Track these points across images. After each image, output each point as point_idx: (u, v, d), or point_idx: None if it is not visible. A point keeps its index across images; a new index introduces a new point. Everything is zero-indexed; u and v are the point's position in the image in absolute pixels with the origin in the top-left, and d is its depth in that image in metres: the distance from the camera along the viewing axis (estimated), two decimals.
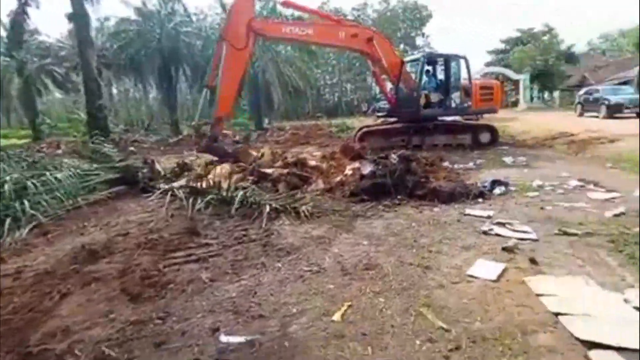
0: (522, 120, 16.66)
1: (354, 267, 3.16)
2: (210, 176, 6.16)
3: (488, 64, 35.43)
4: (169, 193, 5.46)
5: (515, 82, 29.43)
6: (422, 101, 10.09)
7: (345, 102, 36.33)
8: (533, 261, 3.08)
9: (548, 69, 30.23)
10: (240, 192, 4.98)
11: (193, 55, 22.73)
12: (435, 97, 10.38)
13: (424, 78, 10.53)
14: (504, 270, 2.96)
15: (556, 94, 32.99)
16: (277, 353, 2.15)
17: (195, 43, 23.20)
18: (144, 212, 5.10)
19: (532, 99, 33.19)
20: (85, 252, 3.63)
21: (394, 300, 2.63)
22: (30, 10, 14.96)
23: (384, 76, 10.37)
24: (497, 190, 5.25)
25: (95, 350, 2.22)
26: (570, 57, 33.49)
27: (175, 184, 5.99)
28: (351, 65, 35.75)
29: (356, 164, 5.92)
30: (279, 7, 23.72)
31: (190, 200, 4.95)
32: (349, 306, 2.57)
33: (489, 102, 10.65)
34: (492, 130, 10.69)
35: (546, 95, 34.91)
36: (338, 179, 5.76)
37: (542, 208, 4.56)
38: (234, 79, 7.84)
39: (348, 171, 5.81)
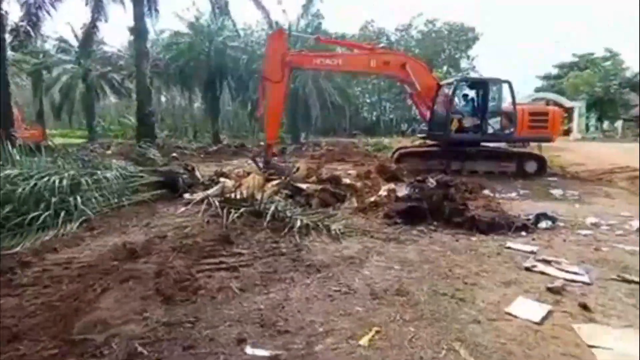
0: (575, 150, 15.44)
1: (384, 292, 3.07)
2: (243, 187, 6.30)
3: (538, 90, 33.91)
4: (205, 200, 5.64)
5: (568, 110, 27.77)
6: (454, 125, 9.85)
7: (383, 121, 36.22)
8: (585, 307, 2.82)
9: (609, 96, 28.19)
10: (273, 207, 5.04)
11: (238, 69, 23.78)
12: (469, 122, 10.08)
13: (459, 102, 10.31)
14: (549, 313, 2.74)
15: (618, 123, 30.66)
16: None
17: (240, 57, 24.29)
18: (182, 216, 5.29)
19: (587, 128, 31.02)
20: (126, 250, 3.81)
21: (425, 330, 2.52)
22: (99, 23, 16.37)
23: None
24: (542, 224, 4.93)
25: (129, 346, 2.30)
26: (635, 85, 31.14)
27: (211, 191, 6.18)
28: (391, 84, 35.77)
29: (392, 185, 5.84)
30: (324, 24, 24.60)
31: (225, 209, 5.07)
32: (377, 332, 2.49)
33: (540, 130, 10.02)
34: (539, 159, 10.13)
35: (605, 125, 32.53)
36: (372, 199, 5.70)
37: (596, 249, 4.19)
38: (276, 111, 8.92)
39: (383, 192, 5.74)
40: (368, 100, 38.41)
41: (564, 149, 15.50)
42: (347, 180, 6.72)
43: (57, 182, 5.07)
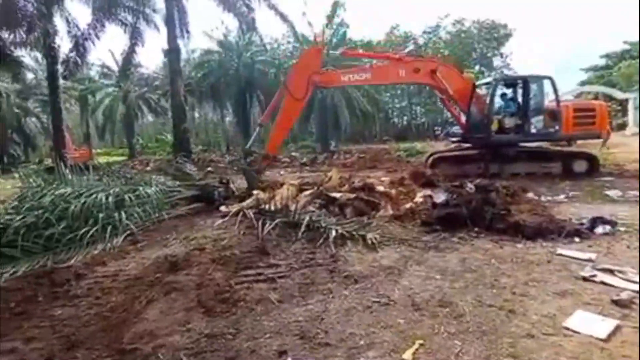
0: (632, 146, 13.88)
1: (426, 303, 2.95)
2: (277, 198, 6.36)
3: (582, 83, 31.74)
4: (240, 213, 5.74)
5: (622, 102, 25.47)
6: (495, 126, 9.43)
7: (415, 125, 35.54)
8: None
9: None
10: (307, 217, 5.02)
11: (267, 82, 24.37)
12: (510, 122, 9.61)
13: (499, 102, 9.89)
14: (617, 328, 2.49)
15: None
16: None
17: (269, 71, 24.90)
18: (219, 229, 5.41)
19: None
20: (167, 263, 3.95)
21: (472, 344, 2.38)
22: (137, 47, 17.43)
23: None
24: (599, 230, 4.49)
25: (174, 356, 2.37)
26: None
27: (246, 204, 6.28)
28: (421, 88, 35.13)
29: (427, 191, 5.67)
30: (349, 33, 24.71)
31: (260, 221, 5.13)
32: (421, 345, 2.39)
33: (587, 127, 9.31)
34: (590, 158, 9.39)
35: None
36: (408, 206, 5.55)
37: None
38: (286, 125, 8.59)
39: (419, 198, 5.58)
40: (398, 106, 37.88)
41: (619, 144, 14.19)
42: (380, 188, 6.59)
43: (103, 199, 5.37)
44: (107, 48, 41.43)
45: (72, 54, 15.31)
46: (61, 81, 15.79)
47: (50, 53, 14.85)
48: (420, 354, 2.31)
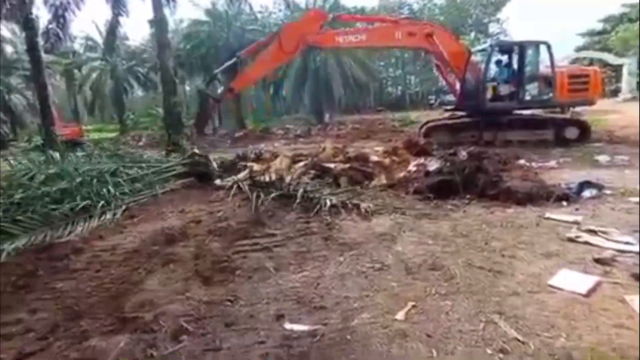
0: (624, 112, 14.09)
1: (419, 267, 3.05)
2: (271, 170, 6.37)
3: (579, 49, 31.06)
4: (235, 185, 5.76)
5: (616, 68, 24.95)
6: (489, 94, 9.36)
7: (409, 94, 35.10)
8: (638, 278, 2.66)
9: None
10: (301, 188, 5.04)
11: (259, 52, 23.64)
12: (504, 89, 9.54)
13: (494, 68, 9.76)
14: (598, 285, 2.61)
15: None
16: (338, 345, 2.16)
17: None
18: (214, 201, 5.45)
19: None
20: (164, 235, 4.00)
21: (462, 304, 2.49)
22: (121, 18, 16.68)
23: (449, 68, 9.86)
24: (586, 193, 4.62)
25: (175, 323, 2.45)
26: None
27: (240, 176, 6.29)
28: (416, 56, 34.39)
29: (421, 160, 5.70)
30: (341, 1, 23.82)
31: (255, 193, 5.15)
32: (413, 306, 2.50)
33: (580, 93, 9.32)
34: (581, 124, 9.47)
35: None
36: (401, 175, 5.61)
37: None
38: (263, 69, 8.63)
39: (412, 167, 5.62)
40: (392, 75, 37.24)
41: (612, 111, 14.25)
42: (374, 158, 6.62)
43: (97, 175, 5.36)
44: (91, 19, 39.63)
45: (52, 25, 14.64)
46: (43, 54, 15.19)
47: (27, 25, 14.18)
48: (412, 315, 2.41)
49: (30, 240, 3.92)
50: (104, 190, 5.12)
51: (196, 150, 7.11)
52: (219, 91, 8.57)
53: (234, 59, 8.51)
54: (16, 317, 2.64)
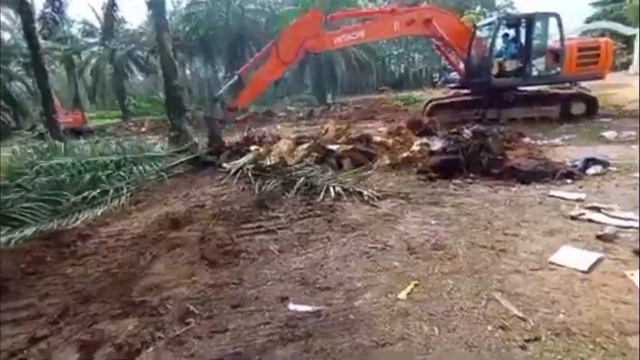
0: (635, 86, 13.43)
1: (421, 247, 3.07)
2: (274, 153, 6.34)
3: (589, 20, 29.85)
4: (239, 169, 5.77)
5: (628, 39, 23.70)
6: (495, 70, 9.12)
7: (413, 73, 34.38)
8: (639, 253, 2.65)
9: None
10: (302, 178, 4.96)
11: (258, 32, 23.18)
12: (511, 65, 9.28)
13: (500, 43, 9.48)
14: (599, 261, 2.61)
15: None
16: (342, 324, 2.20)
17: (260, 20, 23.58)
18: (218, 185, 5.47)
19: None
20: (169, 220, 4.04)
21: (464, 282, 2.51)
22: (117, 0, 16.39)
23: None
24: (591, 170, 4.55)
25: (182, 306, 2.51)
26: None
27: (244, 160, 6.28)
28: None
29: (424, 140, 5.64)
30: None
31: (258, 176, 5.15)
32: (416, 285, 2.52)
33: (589, 67, 8.92)
34: (588, 99, 9.14)
35: None
36: (405, 155, 5.56)
37: None
38: (263, 83, 8.42)
39: (415, 147, 5.57)
40: (395, 53, 36.40)
41: (622, 85, 13.69)
42: (377, 138, 6.55)
43: (102, 163, 5.39)
44: (87, 2, 38.90)
45: (48, 10, 14.42)
46: (41, 40, 15.00)
47: (22, 9, 13.95)
48: (415, 294, 2.44)
49: (39, 228, 3.99)
50: (111, 176, 5.17)
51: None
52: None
53: (234, 79, 8.49)
54: (27, 302, 2.71)
